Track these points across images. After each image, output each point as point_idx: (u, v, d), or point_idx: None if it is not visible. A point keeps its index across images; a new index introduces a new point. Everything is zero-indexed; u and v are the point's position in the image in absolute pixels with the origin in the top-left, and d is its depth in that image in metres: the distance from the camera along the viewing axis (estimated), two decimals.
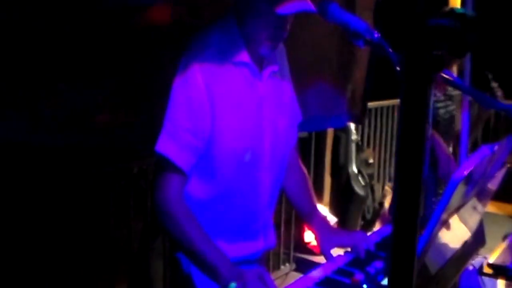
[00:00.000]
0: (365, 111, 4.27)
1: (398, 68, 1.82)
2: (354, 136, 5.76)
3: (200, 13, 2.78)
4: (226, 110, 2.05)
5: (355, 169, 5.74)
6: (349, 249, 2.24)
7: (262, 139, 2.15)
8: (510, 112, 1.74)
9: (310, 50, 3.54)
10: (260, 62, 2.13)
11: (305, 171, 2.53)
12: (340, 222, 5.53)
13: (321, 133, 5.45)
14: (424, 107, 0.77)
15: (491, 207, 6.22)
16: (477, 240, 2.14)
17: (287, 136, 2.30)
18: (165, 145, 2.03)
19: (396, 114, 6.71)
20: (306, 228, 5.43)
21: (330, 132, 5.54)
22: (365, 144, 6.25)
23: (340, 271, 2.00)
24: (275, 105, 2.20)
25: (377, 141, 6.58)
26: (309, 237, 5.41)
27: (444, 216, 1.51)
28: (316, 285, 1.88)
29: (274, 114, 2.20)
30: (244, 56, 2.08)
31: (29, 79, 2.47)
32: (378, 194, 6.00)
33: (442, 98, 3.72)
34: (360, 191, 5.67)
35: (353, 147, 5.75)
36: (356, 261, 2.10)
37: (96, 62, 2.59)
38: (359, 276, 1.88)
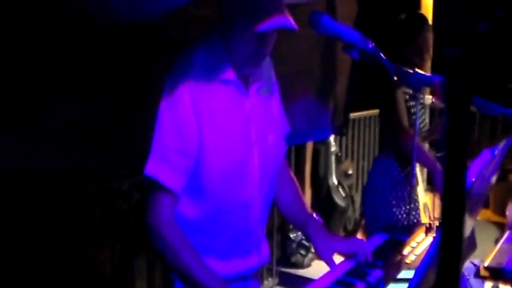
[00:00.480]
0: (347, 122, 4.30)
1: (395, 78, 1.88)
2: (333, 148, 5.78)
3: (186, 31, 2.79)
4: (213, 128, 2.05)
5: (335, 181, 5.76)
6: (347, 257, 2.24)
7: (251, 155, 2.15)
8: (510, 116, 1.77)
9: (293, 63, 3.56)
10: (245, 78, 2.13)
11: (295, 180, 2.52)
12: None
13: (301, 145, 5.46)
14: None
15: None
16: (470, 245, 2.17)
17: (276, 150, 2.30)
18: (154, 168, 2.02)
19: (373, 124, 6.78)
20: (287, 241, 5.44)
21: (309, 144, 5.55)
22: (344, 155, 6.28)
23: (340, 282, 2.00)
24: (262, 121, 2.20)
25: (356, 152, 6.61)
26: (292, 247, 5.41)
27: None
28: None
29: (262, 130, 2.19)
30: (229, 74, 2.07)
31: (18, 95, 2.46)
32: (358, 205, 6.02)
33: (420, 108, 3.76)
34: (340, 202, 5.68)
35: (333, 159, 5.77)
36: (353, 271, 2.09)
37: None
38: (360, 286, 1.88)
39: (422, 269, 1.51)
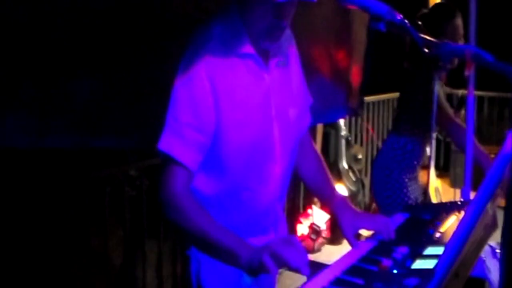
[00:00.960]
0: (362, 104, 4.28)
1: (425, 50, 1.85)
2: (343, 132, 5.78)
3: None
4: (232, 103, 2.01)
5: (345, 165, 5.75)
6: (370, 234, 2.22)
7: (271, 130, 2.11)
8: None
9: (310, 43, 3.54)
10: (265, 52, 2.08)
11: (319, 154, 2.48)
12: (333, 219, 5.52)
13: (311, 129, 5.43)
14: None
15: None
16: (492, 224, 2.14)
17: (297, 125, 2.26)
18: (168, 143, 1.98)
19: (382, 109, 6.77)
20: (298, 224, 5.44)
21: (319, 128, 5.54)
22: (353, 140, 6.26)
23: (365, 259, 1.97)
24: (283, 95, 2.16)
25: (364, 137, 6.60)
26: (303, 232, 5.41)
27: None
28: (344, 274, 1.84)
29: (283, 104, 2.16)
30: (248, 48, 2.03)
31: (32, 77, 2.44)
32: (368, 189, 6.00)
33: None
34: (351, 186, 5.68)
35: (343, 143, 5.76)
36: (378, 249, 2.07)
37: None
38: (386, 262, 1.85)
39: (454, 245, 1.49)
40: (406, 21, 1.82)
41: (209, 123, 1.99)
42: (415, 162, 3.75)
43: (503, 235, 0.76)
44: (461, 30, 3.53)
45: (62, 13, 2.42)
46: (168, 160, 1.99)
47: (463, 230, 1.51)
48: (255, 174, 2.12)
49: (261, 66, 2.07)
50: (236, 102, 2.02)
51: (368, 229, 2.25)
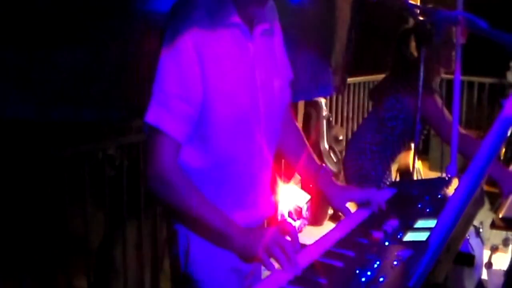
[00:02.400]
0: (345, 82, 4.26)
1: (420, 18, 1.81)
2: (325, 113, 5.75)
3: None
4: (218, 73, 1.97)
5: (326, 146, 5.74)
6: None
7: (257, 101, 2.08)
8: None
9: (295, 20, 3.50)
10: (250, 21, 2.05)
11: (300, 130, 2.46)
12: (314, 200, 5.51)
13: (292, 109, 5.41)
14: None
15: None
16: (480, 201, 2.13)
17: (281, 96, 2.23)
18: (156, 115, 1.93)
19: (362, 90, 6.77)
20: (278, 205, 5.42)
21: (300, 108, 5.51)
22: (334, 120, 6.25)
23: (355, 232, 1.95)
24: (267, 65, 2.13)
25: (345, 118, 6.59)
26: (283, 213, 5.40)
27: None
28: (334, 246, 1.82)
29: (267, 74, 2.12)
30: (234, 17, 1.99)
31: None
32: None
33: None
34: (332, 167, 5.66)
35: (324, 124, 5.74)
36: (368, 222, 2.05)
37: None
38: (377, 234, 1.82)
39: (449, 217, 1.47)
40: None
41: (197, 94, 1.94)
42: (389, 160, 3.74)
43: None
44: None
45: None
46: (155, 133, 1.94)
47: (458, 202, 1.48)
48: (241, 145, 2.08)
49: (247, 36, 2.04)
50: (222, 72, 1.98)
51: (358, 200, 2.23)
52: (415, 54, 3.40)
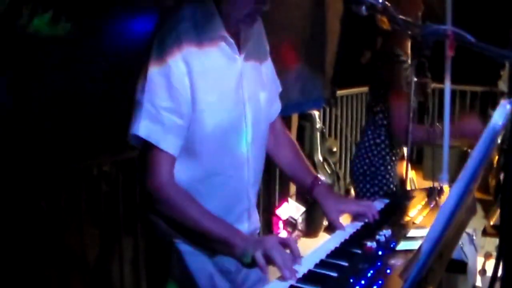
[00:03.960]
0: (335, 94, 4.29)
1: (408, 32, 1.85)
2: (318, 125, 5.78)
3: None
4: (206, 85, 1.99)
5: (320, 158, 5.76)
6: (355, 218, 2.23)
7: (244, 114, 2.11)
8: None
9: (287, 34, 3.54)
10: (237, 35, 2.07)
11: (294, 141, 2.49)
12: (308, 211, 5.54)
13: (286, 122, 5.43)
14: None
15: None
16: (472, 209, 2.17)
17: (268, 110, 2.27)
18: (148, 129, 1.95)
19: (355, 102, 6.80)
20: (273, 217, 5.44)
21: (294, 121, 5.54)
22: (327, 133, 6.28)
23: (349, 242, 1.98)
24: (254, 79, 2.16)
25: (339, 130, 6.62)
26: (278, 225, 5.42)
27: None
28: (328, 256, 1.84)
29: (254, 88, 2.15)
30: (221, 31, 2.01)
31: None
32: (343, 181, 6.04)
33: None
34: (326, 179, 5.69)
35: (318, 136, 5.77)
36: (361, 232, 2.08)
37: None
38: (370, 244, 1.85)
39: (438, 229, 1.50)
40: (387, 3, 1.83)
41: (187, 106, 1.97)
42: (394, 151, 3.77)
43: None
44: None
45: None
46: (149, 147, 1.96)
47: (448, 210, 1.51)
48: (228, 158, 2.10)
49: (234, 49, 2.06)
50: (210, 84, 2.00)
51: (352, 212, 2.25)
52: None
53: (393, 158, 3.75)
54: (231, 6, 1.98)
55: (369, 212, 2.16)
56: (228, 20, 2.01)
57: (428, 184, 2.57)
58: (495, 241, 4.81)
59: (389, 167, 3.73)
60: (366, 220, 2.16)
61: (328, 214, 2.25)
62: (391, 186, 3.74)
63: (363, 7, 1.86)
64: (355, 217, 2.24)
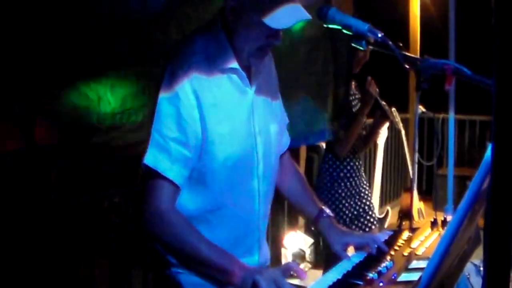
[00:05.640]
0: (343, 127, 4.31)
1: (406, 66, 1.89)
2: None
3: None
4: (217, 117, 2.01)
5: None
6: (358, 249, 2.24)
7: (255, 146, 2.13)
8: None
9: (293, 65, 3.58)
10: (248, 68, 2.10)
11: (301, 173, 2.52)
12: (317, 243, 5.54)
13: (294, 154, 5.46)
14: None
15: None
16: (476, 239, 2.17)
17: (278, 142, 2.29)
18: (155, 158, 1.97)
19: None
20: (282, 249, 5.44)
21: (303, 153, 5.57)
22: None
23: (351, 274, 1.99)
24: (265, 111, 2.19)
25: None
26: (287, 257, 5.41)
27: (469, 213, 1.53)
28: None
29: (265, 120, 2.18)
30: (233, 63, 2.04)
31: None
32: None
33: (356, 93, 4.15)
34: None
35: None
36: (363, 264, 2.09)
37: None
38: (372, 276, 1.87)
39: (436, 259, 1.52)
40: (387, 38, 1.87)
41: (195, 138, 1.99)
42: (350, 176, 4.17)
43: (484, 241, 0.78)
44: None
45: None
46: (153, 176, 1.98)
47: (446, 239, 1.54)
48: (239, 190, 2.12)
49: (245, 81, 2.09)
50: (221, 117, 2.02)
51: (356, 244, 2.26)
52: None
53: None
54: (243, 39, 2.01)
55: (372, 244, 2.17)
56: (239, 53, 2.03)
57: (437, 214, 2.57)
58: None
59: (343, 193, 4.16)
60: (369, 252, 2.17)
61: (332, 246, 2.26)
62: (347, 212, 4.16)
63: (363, 42, 1.90)
64: (359, 249, 2.25)
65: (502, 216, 0.81)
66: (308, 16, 1.94)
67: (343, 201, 4.17)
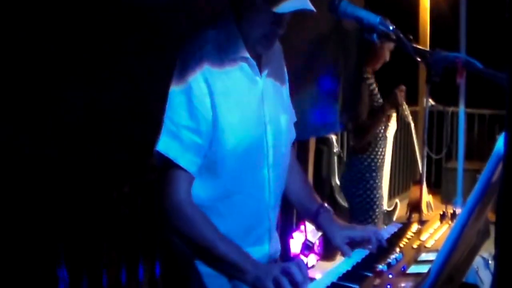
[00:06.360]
0: (353, 119, 4.32)
1: (418, 59, 1.89)
2: (336, 149, 5.81)
3: None
4: (227, 106, 2.02)
5: (338, 182, 5.78)
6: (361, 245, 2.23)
7: (265, 135, 2.14)
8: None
9: (304, 57, 3.59)
10: (258, 58, 2.11)
11: (302, 169, 2.52)
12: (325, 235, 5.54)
13: (303, 146, 5.47)
14: None
15: None
16: (484, 233, 2.17)
17: (288, 132, 2.30)
18: (167, 146, 1.98)
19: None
20: (290, 240, 5.46)
21: (312, 145, 5.57)
22: (344, 157, 6.31)
23: (360, 265, 2.00)
24: (275, 101, 2.20)
25: None
26: (295, 248, 5.42)
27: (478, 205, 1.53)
28: (339, 279, 1.87)
29: (275, 110, 2.18)
30: (243, 52, 2.05)
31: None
32: None
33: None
34: (343, 202, 5.70)
35: (335, 160, 5.80)
36: (373, 256, 2.10)
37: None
38: (381, 267, 1.88)
39: (445, 252, 1.52)
40: (398, 31, 1.87)
41: (207, 126, 2.00)
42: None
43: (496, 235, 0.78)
44: None
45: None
46: (167, 165, 1.99)
47: (455, 232, 1.54)
48: (249, 178, 2.12)
49: (255, 70, 2.10)
50: (231, 105, 2.04)
51: (357, 238, 2.22)
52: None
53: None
54: (249, 25, 2.03)
55: (374, 239, 2.15)
56: (248, 41, 2.05)
57: (446, 207, 2.58)
58: None
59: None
60: (370, 247, 2.16)
61: (332, 240, 2.24)
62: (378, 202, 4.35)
63: (374, 35, 1.90)
64: (361, 244, 2.22)
65: None
66: (311, 7, 1.95)
67: (374, 191, 4.37)
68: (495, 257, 0.88)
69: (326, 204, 2.39)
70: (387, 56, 4.18)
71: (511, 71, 0.75)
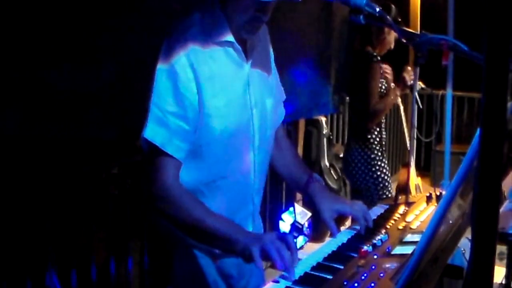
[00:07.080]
0: (344, 100, 4.33)
1: (404, 41, 1.90)
2: (325, 131, 5.81)
3: None
4: (214, 91, 2.02)
5: (327, 163, 5.78)
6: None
7: (251, 119, 2.14)
8: None
9: (295, 39, 3.58)
10: (244, 43, 2.10)
11: (293, 144, 2.53)
12: (315, 216, 5.56)
13: (292, 128, 5.48)
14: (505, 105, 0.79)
15: None
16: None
17: (274, 115, 2.30)
18: (154, 132, 1.98)
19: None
20: (279, 222, 5.47)
21: (301, 127, 5.57)
22: (334, 139, 6.32)
23: (345, 246, 2.02)
24: (261, 85, 2.19)
25: (346, 136, 6.64)
26: (284, 230, 5.44)
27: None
28: (325, 260, 1.88)
29: (261, 94, 2.19)
30: (228, 36, 2.04)
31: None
32: (349, 187, 6.05)
33: None
34: (333, 184, 5.71)
35: (325, 142, 5.79)
36: (358, 236, 2.11)
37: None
38: (366, 248, 1.89)
39: (429, 233, 1.53)
40: (385, 13, 1.87)
41: (193, 112, 2.00)
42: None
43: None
44: None
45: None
46: (155, 151, 1.99)
47: (440, 212, 1.55)
48: (235, 162, 2.13)
49: (241, 55, 2.09)
50: (217, 89, 2.03)
51: (346, 213, 2.26)
52: None
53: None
54: (233, 11, 2.02)
55: (361, 216, 2.17)
56: (233, 26, 2.04)
57: (434, 190, 2.60)
58: (497, 248, 4.83)
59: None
60: (358, 227, 2.17)
61: (321, 213, 2.25)
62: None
63: (361, 16, 1.90)
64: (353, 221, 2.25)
65: (489, 190, 0.82)
66: None
67: (379, 162, 4.43)
68: (471, 239, 0.90)
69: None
70: (392, 44, 4.19)
71: (487, 51, 0.75)
